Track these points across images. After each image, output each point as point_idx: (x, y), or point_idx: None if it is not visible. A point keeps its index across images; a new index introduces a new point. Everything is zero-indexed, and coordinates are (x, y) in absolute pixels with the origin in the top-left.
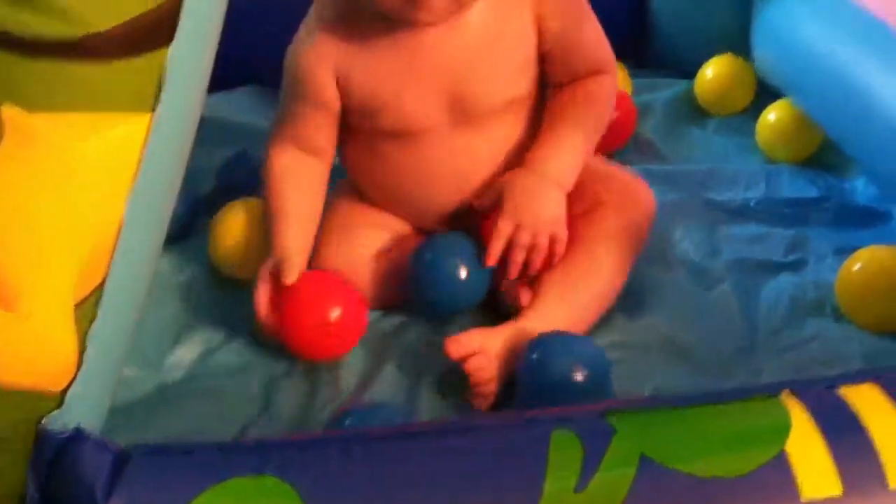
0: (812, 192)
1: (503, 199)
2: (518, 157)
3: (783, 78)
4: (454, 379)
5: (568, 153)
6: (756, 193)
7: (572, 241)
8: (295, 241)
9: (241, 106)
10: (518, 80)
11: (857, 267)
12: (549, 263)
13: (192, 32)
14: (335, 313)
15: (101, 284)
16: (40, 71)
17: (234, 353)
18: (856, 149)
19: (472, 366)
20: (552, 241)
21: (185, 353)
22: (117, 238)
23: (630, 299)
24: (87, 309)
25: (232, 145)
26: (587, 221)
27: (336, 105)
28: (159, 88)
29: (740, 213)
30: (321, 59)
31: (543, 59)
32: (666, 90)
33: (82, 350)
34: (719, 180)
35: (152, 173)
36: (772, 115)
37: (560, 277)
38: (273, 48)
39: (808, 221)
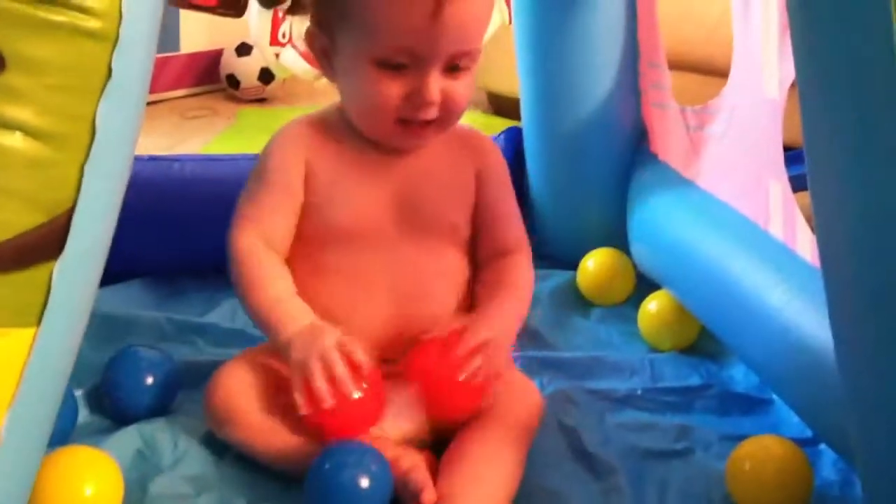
0: (695, 380)
1: (473, 326)
2: (450, 290)
3: (658, 271)
4: None
5: (511, 319)
6: (641, 381)
7: (469, 435)
8: (305, 307)
9: (129, 300)
10: (458, 209)
11: (744, 457)
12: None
13: (80, 246)
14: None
15: None
16: None
17: None
18: (731, 340)
19: None
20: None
21: None
22: None
23: (527, 491)
24: None
25: (119, 340)
26: (480, 418)
27: (300, 194)
28: (45, 303)
29: (627, 401)
30: (297, 145)
31: (474, 228)
32: (549, 280)
33: None
34: (605, 368)
35: (34, 388)
36: (652, 304)
37: (464, 468)
38: (160, 244)
39: (693, 409)
